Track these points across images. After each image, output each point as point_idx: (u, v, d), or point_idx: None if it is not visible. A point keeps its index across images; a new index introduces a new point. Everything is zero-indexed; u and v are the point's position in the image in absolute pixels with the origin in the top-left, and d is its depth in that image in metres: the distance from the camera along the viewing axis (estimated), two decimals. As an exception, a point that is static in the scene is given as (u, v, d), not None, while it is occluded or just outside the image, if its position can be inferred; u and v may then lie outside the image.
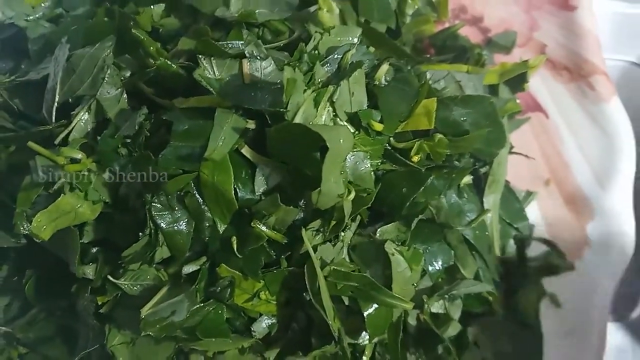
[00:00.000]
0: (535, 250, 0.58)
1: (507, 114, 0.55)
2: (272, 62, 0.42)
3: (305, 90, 0.41)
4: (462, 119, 0.47)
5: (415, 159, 0.46)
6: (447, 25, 0.62)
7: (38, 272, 0.46)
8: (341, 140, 0.40)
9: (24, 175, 0.44)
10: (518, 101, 0.58)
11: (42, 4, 0.57)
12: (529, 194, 0.59)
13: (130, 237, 0.43)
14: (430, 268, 0.47)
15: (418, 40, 0.61)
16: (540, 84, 0.62)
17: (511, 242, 0.56)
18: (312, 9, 0.48)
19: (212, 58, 0.41)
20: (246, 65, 0.41)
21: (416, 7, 0.56)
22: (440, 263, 0.48)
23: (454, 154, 0.47)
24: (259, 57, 0.42)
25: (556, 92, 0.62)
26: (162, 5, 0.48)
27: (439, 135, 0.46)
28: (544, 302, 0.54)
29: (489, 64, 0.61)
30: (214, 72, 0.41)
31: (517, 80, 0.57)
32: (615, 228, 0.56)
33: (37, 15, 0.54)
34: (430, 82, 0.49)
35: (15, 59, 0.55)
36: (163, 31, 0.49)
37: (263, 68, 0.41)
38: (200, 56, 0.41)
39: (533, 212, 0.59)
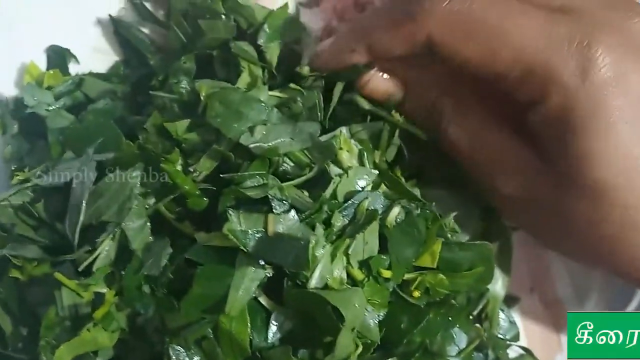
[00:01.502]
0: (511, 351, 0.61)
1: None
2: (296, 214, 0.44)
3: (324, 246, 0.44)
4: (461, 260, 0.50)
5: (416, 294, 0.49)
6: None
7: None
8: (356, 305, 0.42)
9: (43, 287, 0.46)
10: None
11: (62, 85, 0.58)
12: (513, 300, 0.62)
13: (142, 360, 0.45)
14: (417, 394, 0.50)
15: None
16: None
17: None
18: (331, 136, 0.50)
19: (240, 211, 0.43)
20: (272, 221, 0.43)
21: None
22: (428, 390, 0.51)
23: (451, 292, 0.50)
24: (280, 203, 0.44)
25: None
26: (188, 121, 0.49)
27: (441, 275, 0.48)
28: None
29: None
30: (240, 225, 0.43)
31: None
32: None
33: (58, 106, 0.55)
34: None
35: (30, 140, 0.56)
36: (185, 145, 0.50)
37: (287, 221, 0.43)
38: (230, 210, 0.42)
39: (513, 315, 0.62)
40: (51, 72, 0.58)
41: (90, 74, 0.59)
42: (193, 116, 0.51)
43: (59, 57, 0.59)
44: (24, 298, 0.48)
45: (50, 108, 0.55)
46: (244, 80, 0.52)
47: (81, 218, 0.46)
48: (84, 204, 0.46)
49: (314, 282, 0.43)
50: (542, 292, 0.63)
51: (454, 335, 0.52)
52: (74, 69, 0.60)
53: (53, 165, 0.51)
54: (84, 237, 0.47)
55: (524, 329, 0.63)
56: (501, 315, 0.59)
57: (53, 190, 0.49)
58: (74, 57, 0.60)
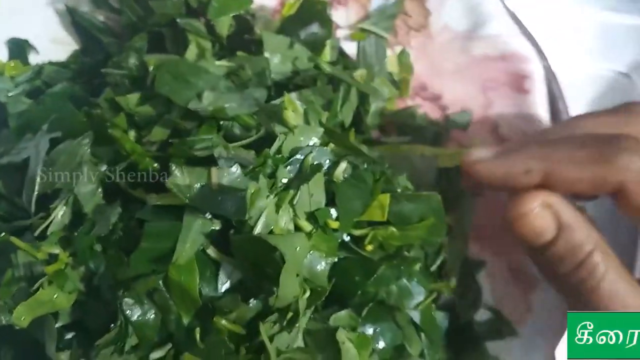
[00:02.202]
0: (482, 314, 0.62)
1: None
2: (239, 167, 0.45)
3: (267, 196, 0.45)
4: (411, 212, 0.51)
5: (369, 248, 0.50)
6: (408, 102, 0.66)
7: (14, 348, 0.49)
8: (297, 248, 0.44)
9: (3, 256, 0.47)
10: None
11: (23, 75, 0.60)
12: (479, 263, 0.63)
13: (101, 322, 0.46)
14: (379, 346, 0.51)
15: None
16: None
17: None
18: (278, 102, 0.51)
19: (183, 167, 0.44)
20: (215, 174, 0.44)
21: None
22: (388, 342, 0.52)
23: (404, 244, 0.51)
24: (226, 160, 0.46)
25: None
26: (138, 95, 0.51)
27: (392, 228, 0.50)
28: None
29: (446, 140, 0.65)
30: (184, 180, 0.44)
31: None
32: (556, 300, 0.60)
33: (17, 92, 0.57)
34: (386, 166, 0.53)
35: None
36: (138, 118, 0.51)
37: (230, 174, 0.45)
38: (172, 165, 0.44)
39: (480, 279, 0.63)
40: (12, 63, 0.60)
41: (50, 63, 0.61)
42: (144, 89, 0.53)
43: (19, 48, 0.61)
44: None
45: (10, 94, 0.57)
46: (191, 52, 0.54)
47: (36, 188, 0.47)
48: (38, 174, 0.47)
49: (258, 229, 0.44)
50: (508, 255, 0.63)
51: (411, 288, 0.53)
52: (35, 59, 0.61)
53: (13, 146, 0.53)
54: (40, 206, 0.48)
55: (491, 294, 0.63)
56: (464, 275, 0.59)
57: (12, 169, 0.51)
58: (34, 48, 0.61)
